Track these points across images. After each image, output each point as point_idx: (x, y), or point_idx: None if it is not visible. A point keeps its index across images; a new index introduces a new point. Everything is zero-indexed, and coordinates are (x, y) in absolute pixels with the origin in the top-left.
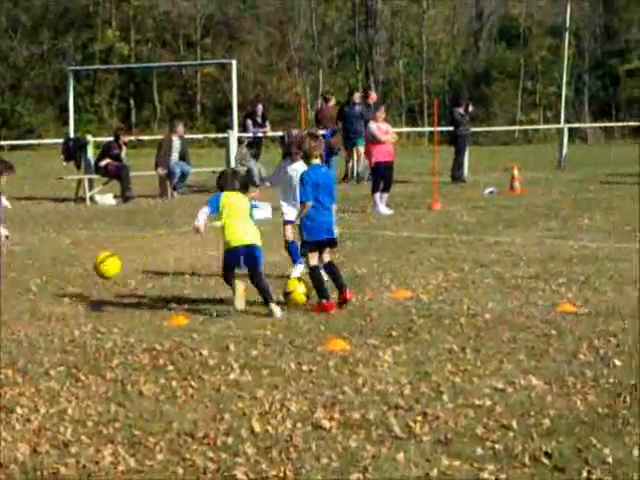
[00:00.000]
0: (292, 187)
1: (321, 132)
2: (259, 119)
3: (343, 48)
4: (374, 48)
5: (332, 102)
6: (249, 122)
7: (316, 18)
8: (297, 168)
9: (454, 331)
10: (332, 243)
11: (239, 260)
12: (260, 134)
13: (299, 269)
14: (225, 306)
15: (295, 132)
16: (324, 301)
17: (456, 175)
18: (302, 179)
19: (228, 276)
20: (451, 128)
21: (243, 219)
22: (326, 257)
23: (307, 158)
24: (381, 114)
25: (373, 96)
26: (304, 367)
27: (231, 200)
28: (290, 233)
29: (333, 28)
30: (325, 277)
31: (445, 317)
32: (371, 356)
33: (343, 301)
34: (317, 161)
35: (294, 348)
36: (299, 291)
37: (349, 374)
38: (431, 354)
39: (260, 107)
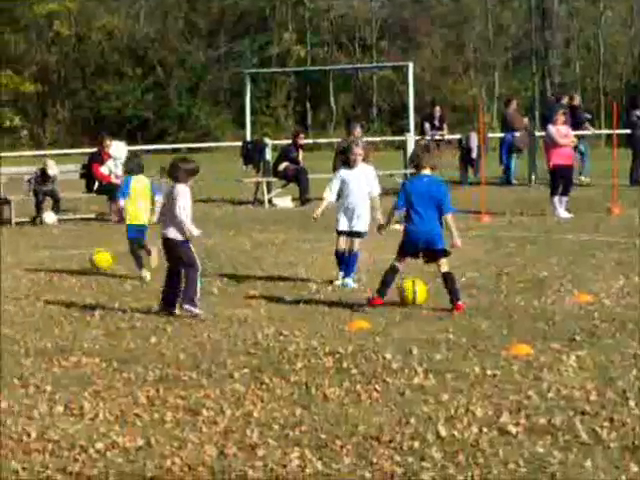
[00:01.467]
0: (346, 194)
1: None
2: (436, 122)
3: (519, 50)
4: (550, 50)
5: (513, 105)
6: (427, 125)
7: (492, 19)
8: (352, 173)
9: (638, 336)
10: (436, 253)
11: (137, 234)
12: (438, 137)
13: (342, 281)
14: (407, 309)
15: (345, 140)
16: (375, 296)
17: (635, 178)
18: (401, 186)
19: (132, 248)
20: (628, 131)
21: (143, 200)
22: (443, 267)
23: (417, 168)
24: (560, 117)
25: (577, 99)
26: (488, 371)
27: (137, 184)
28: (342, 243)
29: (509, 30)
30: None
31: (628, 322)
32: (555, 361)
33: (454, 309)
34: (426, 171)
35: (477, 352)
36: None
37: (533, 379)
38: (615, 359)
39: (438, 109)
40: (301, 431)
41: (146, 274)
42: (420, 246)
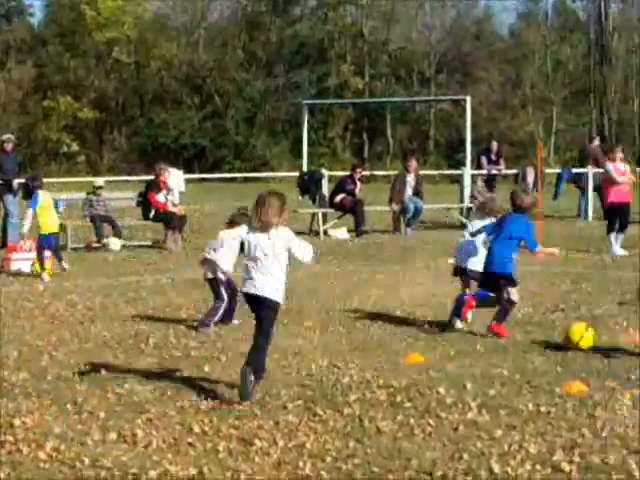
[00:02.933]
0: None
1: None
2: (493, 156)
3: (577, 86)
4: (608, 87)
5: (596, 142)
6: (483, 159)
7: (550, 55)
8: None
9: None
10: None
11: (49, 243)
12: (494, 171)
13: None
14: (464, 345)
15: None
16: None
17: None
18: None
19: (41, 254)
20: None
21: (51, 211)
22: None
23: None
24: (618, 154)
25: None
26: (542, 408)
27: (44, 197)
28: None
29: (567, 66)
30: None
31: None
32: (610, 399)
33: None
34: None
35: (531, 388)
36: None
37: (587, 417)
38: None
39: (495, 144)
40: (354, 464)
41: (46, 277)
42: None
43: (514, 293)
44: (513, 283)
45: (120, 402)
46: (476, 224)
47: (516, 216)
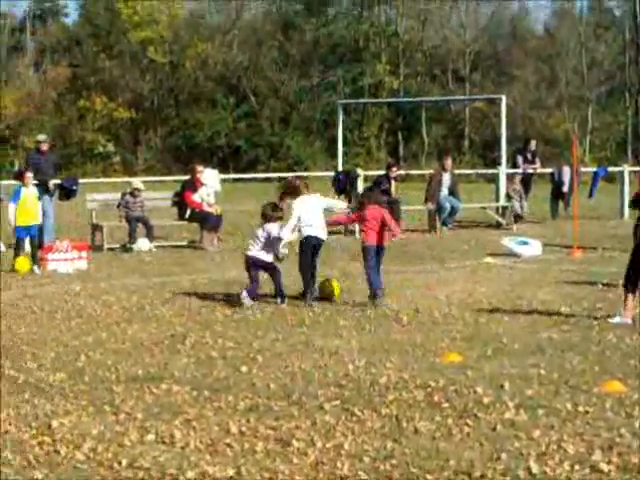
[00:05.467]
0: None
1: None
2: (529, 155)
3: (612, 84)
4: None
5: None
6: (519, 158)
7: (585, 53)
8: None
9: None
10: None
11: (28, 234)
12: (530, 170)
13: None
14: (498, 344)
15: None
16: None
17: None
18: None
19: (20, 244)
20: None
21: (33, 204)
22: None
23: None
24: None
25: None
26: (580, 408)
27: (26, 192)
28: None
29: (602, 63)
30: None
31: None
32: None
33: None
34: None
35: (569, 388)
36: None
37: (626, 416)
38: None
39: (534, 143)
40: (392, 465)
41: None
42: None
43: None
44: None
45: (157, 403)
46: None
47: None
